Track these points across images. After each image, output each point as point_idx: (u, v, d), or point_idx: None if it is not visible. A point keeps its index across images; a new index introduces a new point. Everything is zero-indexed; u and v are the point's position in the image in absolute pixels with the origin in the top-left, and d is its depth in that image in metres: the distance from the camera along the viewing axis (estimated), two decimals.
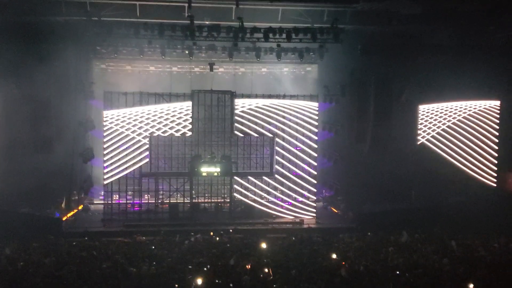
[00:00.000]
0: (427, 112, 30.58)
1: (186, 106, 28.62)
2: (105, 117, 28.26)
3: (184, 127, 28.73)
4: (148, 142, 28.70)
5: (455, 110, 30.83)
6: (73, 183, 28.82)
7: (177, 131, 28.73)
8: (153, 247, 21.99)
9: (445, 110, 30.77)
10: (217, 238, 24.36)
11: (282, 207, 29.36)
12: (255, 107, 29.10)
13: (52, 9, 25.55)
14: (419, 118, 30.42)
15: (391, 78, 29.67)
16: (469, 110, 30.98)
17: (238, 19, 25.73)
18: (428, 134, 30.47)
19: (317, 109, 29.51)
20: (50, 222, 26.18)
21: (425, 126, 30.52)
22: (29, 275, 17.37)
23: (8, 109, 27.49)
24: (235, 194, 29.29)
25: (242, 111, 28.90)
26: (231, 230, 25.77)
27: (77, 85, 28.55)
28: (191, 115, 28.69)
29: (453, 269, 18.21)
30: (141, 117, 28.54)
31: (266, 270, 17.50)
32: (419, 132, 30.37)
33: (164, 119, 28.66)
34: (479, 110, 31.13)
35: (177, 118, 28.72)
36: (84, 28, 26.27)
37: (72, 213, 28.38)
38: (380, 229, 25.07)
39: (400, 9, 26.79)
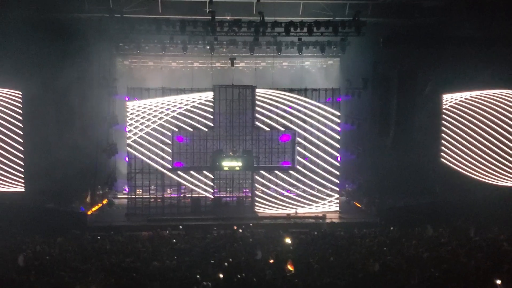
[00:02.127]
0: (450, 103, 30.05)
1: (207, 98, 28.85)
2: (128, 109, 28.64)
3: (205, 121, 28.99)
4: (170, 137, 29.05)
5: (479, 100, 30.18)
6: (97, 178, 29.17)
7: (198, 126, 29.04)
8: (176, 241, 22.14)
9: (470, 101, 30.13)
10: (240, 230, 24.48)
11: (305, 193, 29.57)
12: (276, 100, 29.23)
13: (75, 6, 25.78)
14: (443, 110, 29.96)
15: (414, 71, 29.26)
16: (494, 100, 30.24)
17: (259, 14, 25.64)
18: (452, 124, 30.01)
19: (338, 116, 29.58)
20: (75, 216, 26.58)
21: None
22: (55, 269, 17.65)
23: (32, 106, 27.84)
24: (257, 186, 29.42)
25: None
26: (251, 225, 25.84)
27: (101, 81, 28.86)
28: (212, 110, 28.88)
29: (478, 263, 17.98)
30: (165, 110, 28.82)
31: (289, 265, 17.51)
32: (443, 124, 29.91)
33: (187, 113, 28.96)
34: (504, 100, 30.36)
35: (199, 113, 28.97)
36: (107, 25, 26.46)
37: (96, 207, 28.74)
38: (404, 224, 24.84)
39: (422, 1, 26.44)
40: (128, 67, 33.91)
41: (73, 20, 26.36)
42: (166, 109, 28.96)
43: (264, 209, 29.24)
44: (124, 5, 26.22)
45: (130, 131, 28.90)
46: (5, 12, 25.27)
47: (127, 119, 28.96)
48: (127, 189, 29.69)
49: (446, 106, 29.83)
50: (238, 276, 16.67)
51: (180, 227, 25.18)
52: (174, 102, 29.04)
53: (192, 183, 29.65)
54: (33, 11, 25.36)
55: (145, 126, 28.92)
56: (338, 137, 29.68)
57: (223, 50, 30.40)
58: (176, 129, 29.19)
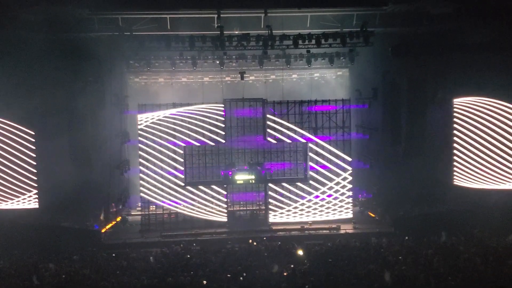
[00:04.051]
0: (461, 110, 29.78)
1: (218, 113, 29.03)
2: (140, 123, 28.86)
3: (217, 135, 29.11)
4: (182, 152, 29.18)
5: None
6: (110, 195, 29.35)
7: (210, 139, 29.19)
8: (190, 256, 22.14)
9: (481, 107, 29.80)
10: (254, 244, 24.47)
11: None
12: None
13: (85, 26, 26.15)
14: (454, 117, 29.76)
15: (424, 79, 29.20)
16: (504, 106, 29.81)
17: (267, 27, 25.86)
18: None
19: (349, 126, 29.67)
20: (90, 234, 26.71)
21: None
22: (71, 287, 17.74)
23: (45, 126, 28.10)
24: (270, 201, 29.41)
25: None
26: (264, 238, 25.84)
27: (112, 99, 29.13)
28: (223, 124, 29.02)
29: (496, 272, 17.80)
30: (174, 124, 29.04)
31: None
32: (455, 131, 29.73)
33: (198, 128, 29.11)
34: None
35: (210, 127, 29.14)
36: (117, 43, 26.79)
37: (110, 225, 28.87)
38: (419, 233, 24.68)
39: (430, 9, 26.44)
40: (139, 84, 34.19)
41: (83, 40, 26.73)
42: (177, 118, 29.14)
43: (278, 219, 29.27)
44: (133, 23, 26.57)
45: (141, 147, 29.06)
46: (17, 34, 25.64)
47: (138, 136, 29.12)
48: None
49: (457, 113, 29.65)
50: None
51: (194, 244, 25.06)
52: (185, 113, 29.25)
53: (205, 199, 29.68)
54: (44, 32, 25.71)
55: (156, 141, 29.13)
56: (349, 146, 29.62)
57: (232, 64, 30.56)
58: (187, 144, 29.30)
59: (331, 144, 29.51)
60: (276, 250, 22.76)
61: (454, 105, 29.50)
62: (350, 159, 29.58)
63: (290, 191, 29.57)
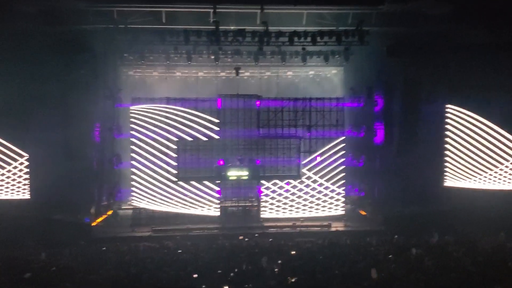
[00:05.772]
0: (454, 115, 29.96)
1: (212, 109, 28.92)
2: (132, 114, 28.73)
3: (210, 131, 28.99)
4: (175, 147, 29.05)
5: None
6: (102, 188, 29.24)
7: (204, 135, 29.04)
8: (181, 251, 22.11)
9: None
10: (246, 239, 24.45)
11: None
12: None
13: (79, 18, 26.01)
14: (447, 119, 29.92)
15: (419, 79, 29.26)
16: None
17: (263, 24, 25.82)
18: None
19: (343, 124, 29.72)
20: (80, 228, 26.61)
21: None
22: (61, 280, 17.67)
23: (37, 118, 27.99)
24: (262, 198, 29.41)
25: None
26: (256, 235, 25.82)
27: (105, 92, 29.00)
28: (217, 120, 28.92)
29: (485, 272, 17.86)
30: (168, 118, 28.90)
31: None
32: (446, 133, 29.88)
33: (191, 124, 28.99)
34: None
35: (204, 122, 29.04)
36: (111, 36, 26.65)
37: (101, 218, 28.78)
38: (410, 232, 24.77)
39: (426, 9, 26.45)
40: (132, 77, 34.03)
41: (77, 32, 26.54)
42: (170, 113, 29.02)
43: (270, 214, 29.30)
44: (128, 16, 26.44)
45: (133, 141, 28.93)
46: (10, 26, 25.47)
47: (130, 129, 28.99)
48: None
49: (450, 114, 29.82)
50: (245, 286, 16.67)
51: (189, 243, 24.97)
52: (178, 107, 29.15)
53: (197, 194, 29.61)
54: (39, 25, 25.56)
55: (149, 134, 29.01)
56: (343, 144, 29.65)
57: (227, 60, 30.42)
58: (180, 139, 29.19)
59: (324, 142, 29.54)
60: (267, 247, 22.77)
61: (447, 107, 29.67)
62: (343, 157, 29.62)
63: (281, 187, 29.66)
